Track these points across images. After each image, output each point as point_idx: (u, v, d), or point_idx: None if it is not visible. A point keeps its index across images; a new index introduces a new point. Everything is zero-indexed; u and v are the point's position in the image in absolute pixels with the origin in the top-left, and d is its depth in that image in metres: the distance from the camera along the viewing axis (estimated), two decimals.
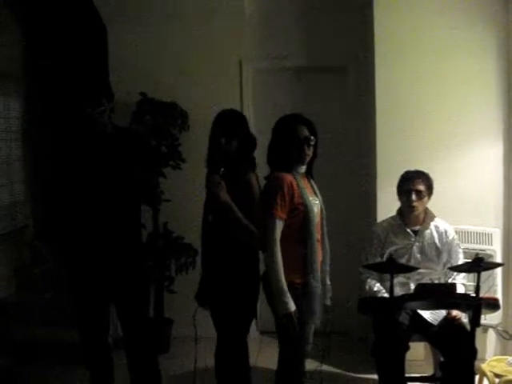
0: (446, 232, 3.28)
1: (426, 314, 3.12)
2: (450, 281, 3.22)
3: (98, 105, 2.79)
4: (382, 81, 3.75)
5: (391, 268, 2.77)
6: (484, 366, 3.21)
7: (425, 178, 3.23)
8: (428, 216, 3.28)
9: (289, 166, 2.65)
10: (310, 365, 2.85)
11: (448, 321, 3.08)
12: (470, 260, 2.88)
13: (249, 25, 4.35)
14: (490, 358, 3.45)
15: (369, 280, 3.24)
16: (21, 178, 5.17)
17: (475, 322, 2.70)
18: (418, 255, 3.23)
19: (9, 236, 4.88)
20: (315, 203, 2.66)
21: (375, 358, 3.03)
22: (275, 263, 2.53)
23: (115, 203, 2.86)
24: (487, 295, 3.25)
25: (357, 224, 4.26)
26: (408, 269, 3.03)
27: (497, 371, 3.14)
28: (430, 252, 3.24)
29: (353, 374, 3.77)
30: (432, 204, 3.30)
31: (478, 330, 2.83)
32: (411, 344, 3.08)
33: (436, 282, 3.25)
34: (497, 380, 3.10)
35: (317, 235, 2.65)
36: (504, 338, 3.65)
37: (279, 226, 2.56)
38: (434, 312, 3.12)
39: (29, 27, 5.09)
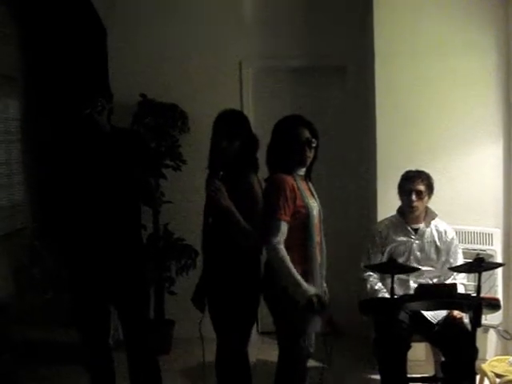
0: (445, 232, 3.29)
1: (427, 313, 3.12)
2: (450, 281, 3.22)
3: (96, 105, 2.79)
4: (381, 81, 3.74)
5: (392, 268, 2.77)
6: (485, 366, 3.21)
7: (425, 177, 3.23)
8: (429, 215, 3.29)
9: (289, 168, 2.64)
10: (312, 366, 2.85)
11: (449, 321, 3.08)
12: (470, 260, 2.88)
13: (248, 25, 4.35)
14: (491, 358, 3.45)
15: (371, 279, 3.24)
16: (20, 179, 5.17)
17: (476, 322, 2.71)
18: (418, 253, 3.24)
19: (8, 237, 4.88)
20: (314, 206, 2.65)
21: (377, 358, 3.04)
22: (280, 253, 2.50)
23: (114, 204, 2.85)
24: (488, 295, 3.25)
25: (356, 224, 4.26)
26: (408, 269, 3.03)
27: (498, 371, 3.13)
28: (429, 250, 3.25)
29: (354, 374, 3.77)
30: (432, 204, 3.30)
31: (479, 330, 2.83)
32: (412, 344, 3.07)
33: (435, 280, 3.26)
34: (498, 380, 3.10)
35: (316, 238, 2.65)
36: (505, 338, 3.65)
37: (284, 228, 2.55)
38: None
39: (27, 28, 5.08)
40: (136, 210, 3.00)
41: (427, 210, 3.29)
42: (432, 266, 3.25)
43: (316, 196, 2.74)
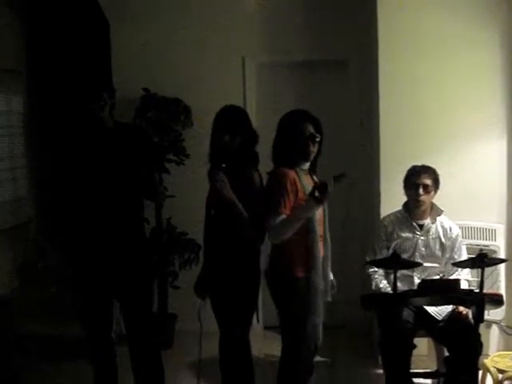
0: (450, 228, 3.29)
1: (431, 309, 3.12)
2: (453, 276, 3.23)
3: (98, 100, 2.79)
4: (385, 75, 3.73)
5: (395, 264, 2.77)
6: (487, 362, 3.21)
7: (431, 172, 3.23)
8: (434, 211, 3.28)
9: (292, 162, 2.67)
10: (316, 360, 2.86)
11: (454, 316, 3.08)
12: (473, 256, 2.88)
13: (251, 20, 4.34)
14: (494, 353, 3.45)
15: (375, 276, 3.25)
16: (24, 174, 5.18)
17: (479, 317, 2.71)
18: (423, 249, 3.24)
19: (12, 231, 4.90)
20: None
21: (381, 354, 3.04)
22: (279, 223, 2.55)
23: (117, 198, 2.86)
24: (491, 291, 3.25)
25: (360, 220, 4.26)
26: (411, 264, 3.03)
27: (500, 367, 3.14)
28: (434, 246, 3.25)
29: (357, 369, 3.77)
30: (436, 200, 3.29)
31: (482, 326, 2.83)
32: (415, 340, 3.07)
33: (440, 276, 3.25)
34: (500, 375, 3.10)
35: (320, 231, 2.66)
36: (507, 333, 3.66)
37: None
38: (438, 307, 3.12)
39: (30, 22, 5.08)
40: (139, 204, 3.01)
41: (433, 205, 3.28)
42: (436, 263, 3.25)
43: None
